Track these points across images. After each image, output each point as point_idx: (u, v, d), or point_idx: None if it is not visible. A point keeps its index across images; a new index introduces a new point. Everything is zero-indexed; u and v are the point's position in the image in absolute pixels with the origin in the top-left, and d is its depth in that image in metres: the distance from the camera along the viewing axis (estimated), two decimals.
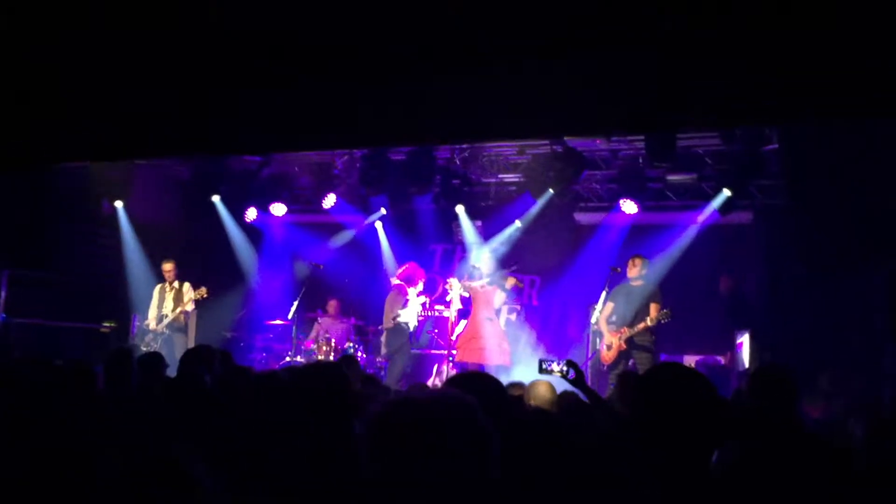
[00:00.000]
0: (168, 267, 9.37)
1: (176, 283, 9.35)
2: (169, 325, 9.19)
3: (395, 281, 9.79)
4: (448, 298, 9.33)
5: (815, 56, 3.98)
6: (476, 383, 2.58)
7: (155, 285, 9.76)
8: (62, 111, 5.47)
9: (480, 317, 8.61)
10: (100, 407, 3.40)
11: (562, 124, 5.45)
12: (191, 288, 9.29)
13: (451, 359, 8.87)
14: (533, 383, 4.36)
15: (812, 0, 3.87)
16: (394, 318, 9.28)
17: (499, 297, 8.74)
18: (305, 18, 4.42)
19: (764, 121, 6.87)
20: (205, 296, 9.26)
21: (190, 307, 9.27)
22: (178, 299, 9.24)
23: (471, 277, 8.87)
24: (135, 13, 4.35)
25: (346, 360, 5.81)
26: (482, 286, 8.70)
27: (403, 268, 9.67)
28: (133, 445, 2.53)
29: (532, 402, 4.14)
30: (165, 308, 9.26)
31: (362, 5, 4.21)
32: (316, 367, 3.02)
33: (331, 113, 5.18)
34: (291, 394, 2.77)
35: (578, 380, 4.04)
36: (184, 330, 9.27)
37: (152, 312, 9.37)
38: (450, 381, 2.91)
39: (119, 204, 10.44)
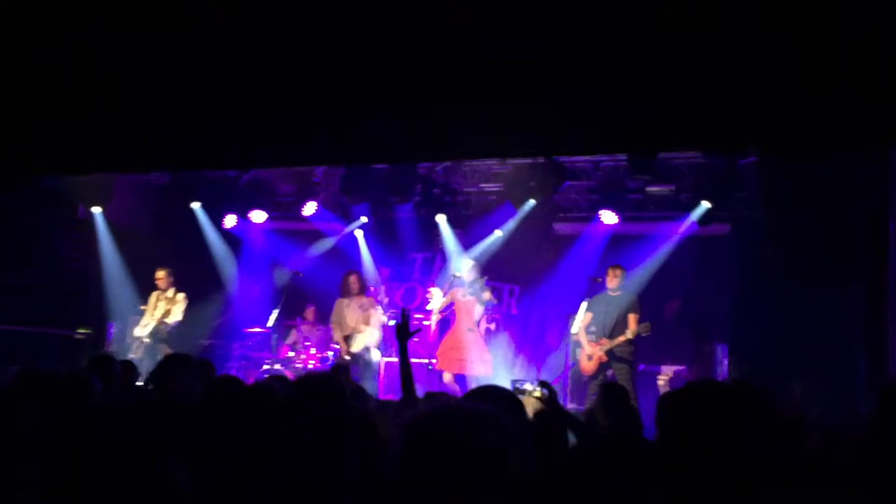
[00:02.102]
0: (160, 275, 9.16)
1: (170, 292, 9.14)
2: (153, 335, 8.98)
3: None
4: (428, 308, 9.34)
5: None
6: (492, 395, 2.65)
7: (132, 292, 9.61)
8: (62, 120, 5.42)
9: (461, 327, 8.63)
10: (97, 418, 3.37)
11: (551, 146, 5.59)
12: (184, 298, 9.07)
13: (430, 367, 8.89)
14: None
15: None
16: (348, 353, 8.86)
17: (477, 311, 8.76)
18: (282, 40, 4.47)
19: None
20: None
21: (176, 318, 9.02)
22: (168, 308, 9.08)
23: (451, 286, 8.90)
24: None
25: (339, 368, 5.81)
26: (463, 296, 8.72)
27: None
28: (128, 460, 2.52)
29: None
30: (155, 316, 9.05)
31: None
32: (310, 380, 3.01)
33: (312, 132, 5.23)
34: (289, 408, 2.77)
35: (551, 399, 4.05)
36: (168, 341, 8.99)
37: (144, 320, 9.16)
38: (468, 396, 2.99)
39: (97, 209, 10.32)
